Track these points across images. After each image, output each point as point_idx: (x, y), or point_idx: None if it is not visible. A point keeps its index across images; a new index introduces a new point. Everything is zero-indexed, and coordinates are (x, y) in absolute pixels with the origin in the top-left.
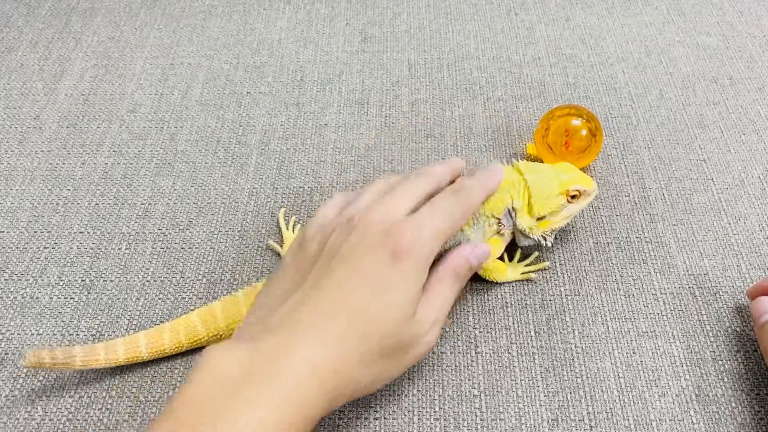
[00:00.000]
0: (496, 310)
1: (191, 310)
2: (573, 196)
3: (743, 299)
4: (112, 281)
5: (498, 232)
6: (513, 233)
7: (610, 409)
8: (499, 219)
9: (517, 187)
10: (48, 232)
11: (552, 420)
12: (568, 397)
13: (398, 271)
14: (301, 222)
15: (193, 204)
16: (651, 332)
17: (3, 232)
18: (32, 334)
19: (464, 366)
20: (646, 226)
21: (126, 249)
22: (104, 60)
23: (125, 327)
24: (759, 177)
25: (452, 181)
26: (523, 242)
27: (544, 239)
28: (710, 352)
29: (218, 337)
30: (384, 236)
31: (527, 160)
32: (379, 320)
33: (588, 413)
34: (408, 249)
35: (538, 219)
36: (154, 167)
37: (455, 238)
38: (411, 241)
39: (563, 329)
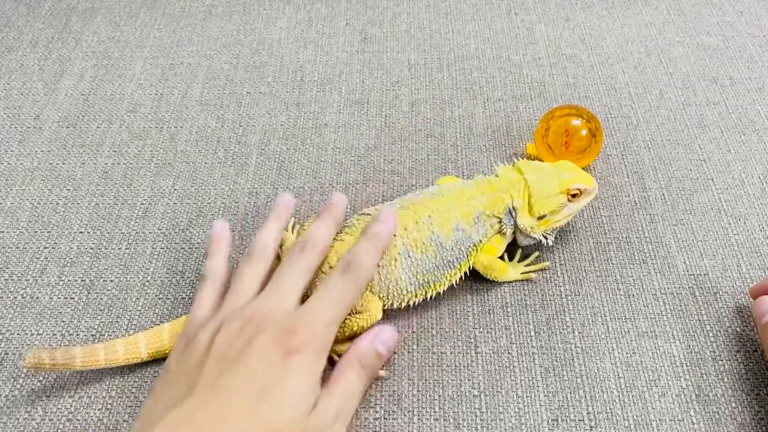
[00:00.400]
0: (496, 310)
1: (185, 312)
2: (573, 195)
3: (743, 299)
4: (112, 281)
5: (499, 231)
6: (514, 232)
7: (610, 409)
8: (500, 218)
9: (517, 186)
10: (48, 232)
11: (552, 420)
12: (568, 397)
13: (291, 368)
14: (300, 223)
15: (193, 204)
16: (651, 332)
17: (3, 232)
18: (32, 334)
19: (464, 366)
20: (646, 226)
21: (126, 249)
22: (104, 60)
23: (125, 327)
24: (759, 177)
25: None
26: (524, 242)
27: (545, 238)
28: (710, 352)
29: None
30: (275, 335)
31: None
32: (273, 423)
33: (588, 413)
34: (301, 346)
35: (539, 218)
36: (154, 167)
37: (457, 237)
38: (304, 338)
39: (563, 329)
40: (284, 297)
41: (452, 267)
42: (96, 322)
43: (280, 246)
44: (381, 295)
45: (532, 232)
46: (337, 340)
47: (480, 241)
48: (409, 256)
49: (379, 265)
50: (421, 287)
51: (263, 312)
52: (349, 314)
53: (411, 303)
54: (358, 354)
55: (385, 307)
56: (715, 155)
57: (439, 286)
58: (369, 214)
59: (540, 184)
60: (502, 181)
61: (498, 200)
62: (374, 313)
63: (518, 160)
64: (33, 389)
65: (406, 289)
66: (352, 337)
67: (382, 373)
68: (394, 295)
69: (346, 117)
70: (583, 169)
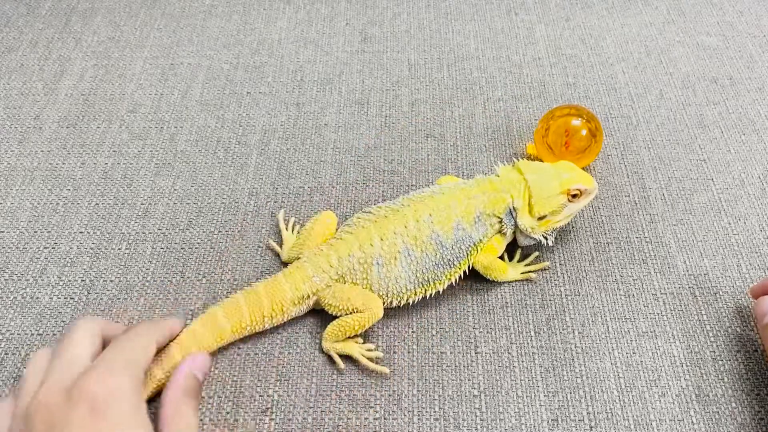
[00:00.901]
0: (496, 310)
1: (191, 310)
2: (574, 195)
3: (743, 299)
4: (112, 281)
5: (500, 231)
6: (514, 232)
7: (610, 409)
8: (500, 218)
9: (517, 186)
10: (48, 232)
11: (552, 420)
12: (568, 397)
13: (107, 426)
14: (300, 223)
15: (193, 204)
16: (651, 332)
17: (3, 232)
18: (32, 334)
19: (464, 366)
20: (646, 226)
21: (126, 249)
22: (104, 60)
23: None
24: (759, 177)
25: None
26: (524, 242)
27: (545, 239)
28: (710, 352)
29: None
30: (68, 403)
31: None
32: None
33: (588, 413)
34: (103, 397)
35: (539, 218)
36: (154, 167)
37: (457, 235)
38: (103, 388)
39: (563, 329)
40: (69, 361)
41: (452, 266)
42: None
43: (281, 245)
44: (380, 293)
45: (532, 233)
46: (339, 339)
47: (480, 240)
48: (409, 255)
49: (378, 263)
50: (420, 285)
51: (48, 386)
52: (350, 313)
53: (410, 301)
54: (179, 386)
55: (385, 306)
56: (715, 155)
57: (439, 284)
58: (370, 212)
59: (540, 185)
60: (502, 181)
61: (499, 200)
62: (375, 311)
63: (518, 160)
64: None
65: (406, 288)
66: (354, 336)
67: (385, 369)
68: (393, 293)
69: (346, 117)
70: (583, 169)
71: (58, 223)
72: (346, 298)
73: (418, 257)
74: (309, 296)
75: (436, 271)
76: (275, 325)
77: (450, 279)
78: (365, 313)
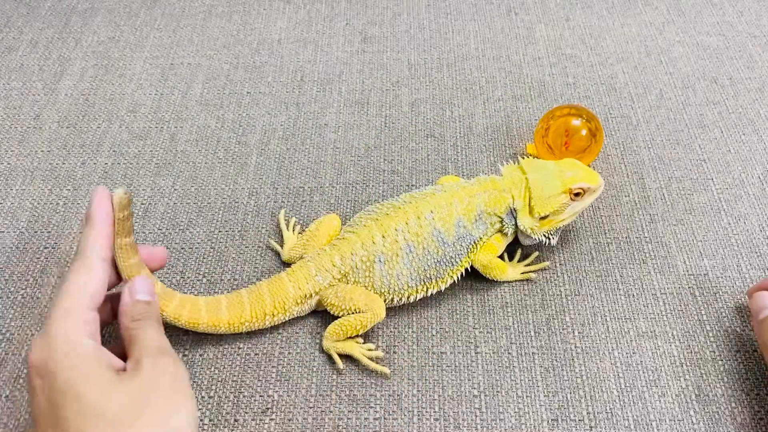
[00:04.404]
0: (496, 310)
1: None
2: (576, 194)
3: (743, 299)
4: None
5: (500, 230)
6: (515, 232)
7: (610, 409)
8: (501, 218)
9: (518, 186)
10: (48, 232)
11: (552, 420)
12: (568, 397)
13: (47, 388)
14: (301, 223)
15: (193, 204)
16: (651, 332)
17: (3, 232)
18: (32, 334)
19: (464, 366)
20: (646, 226)
21: None
22: (104, 60)
23: None
24: (759, 177)
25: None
26: (526, 241)
27: (548, 239)
28: (710, 352)
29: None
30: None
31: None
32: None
33: (588, 413)
34: (42, 366)
35: (542, 218)
36: (154, 167)
37: (459, 233)
38: (40, 358)
39: (563, 329)
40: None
41: (454, 263)
42: None
43: (281, 244)
44: (382, 291)
45: (533, 234)
46: (340, 339)
47: (480, 238)
48: (410, 251)
49: (380, 261)
50: (422, 283)
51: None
52: (352, 313)
53: (411, 299)
54: (128, 316)
55: (386, 304)
56: (715, 155)
57: (441, 282)
58: (373, 210)
59: (541, 185)
60: (505, 180)
61: (500, 199)
62: (378, 312)
63: (523, 158)
64: None
65: (408, 285)
66: (355, 336)
67: (386, 370)
68: (395, 290)
69: (346, 117)
70: None
71: (58, 223)
72: (348, 298)
73: (420, 254)
74: (311, 295)
75: (438, 269)
76: (276, 323)
77: (452, 277)
78: (367, 313)
